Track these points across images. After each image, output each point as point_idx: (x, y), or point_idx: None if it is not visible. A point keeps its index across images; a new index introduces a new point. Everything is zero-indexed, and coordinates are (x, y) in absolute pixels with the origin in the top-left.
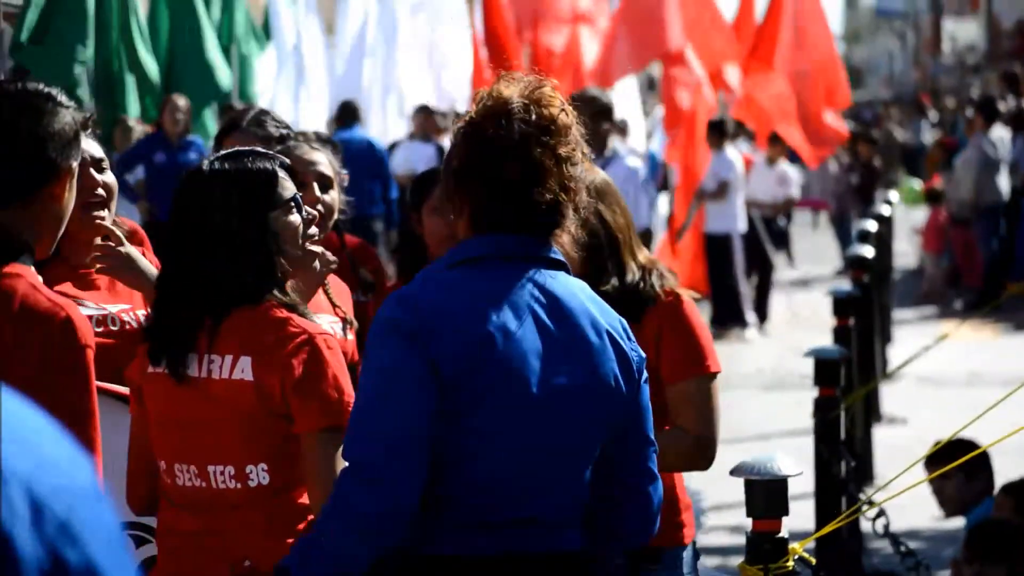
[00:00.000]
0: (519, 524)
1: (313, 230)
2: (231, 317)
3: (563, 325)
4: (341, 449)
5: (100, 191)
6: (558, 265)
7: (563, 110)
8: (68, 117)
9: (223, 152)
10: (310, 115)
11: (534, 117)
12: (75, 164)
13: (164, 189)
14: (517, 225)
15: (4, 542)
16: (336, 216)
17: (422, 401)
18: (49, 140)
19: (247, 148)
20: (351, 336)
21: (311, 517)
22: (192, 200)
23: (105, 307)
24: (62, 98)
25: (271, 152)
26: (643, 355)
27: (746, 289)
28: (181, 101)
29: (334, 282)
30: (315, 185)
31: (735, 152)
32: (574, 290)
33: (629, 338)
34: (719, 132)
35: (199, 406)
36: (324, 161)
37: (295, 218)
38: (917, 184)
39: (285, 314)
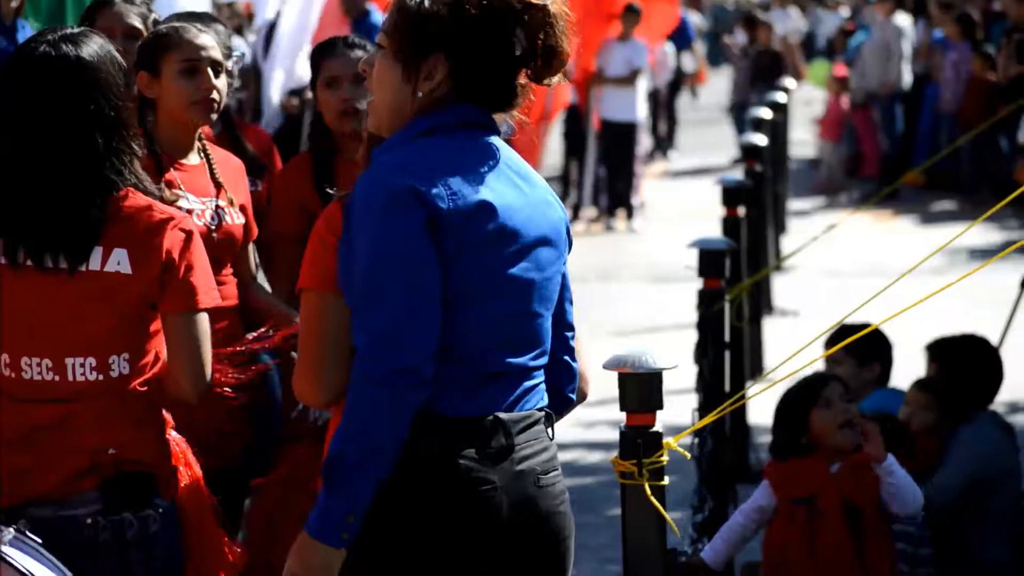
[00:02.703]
0: (503, 376)
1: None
2: (92, 207)
3: (527, 184)
4: (341, 316)
5: None
6: (498, 134)
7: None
8: None
9: (68, 33)
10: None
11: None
12: None
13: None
14: (491, 99)
15: None
16: (225, 99)
17: (429, 260)
18: None
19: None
20: (239, 219)
21: (164, 411)
22: (44, 86)
23: None
24: None
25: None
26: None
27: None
28: None
29: (224, 162)
30: (209, 71)
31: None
32: (518, 157)
33: (556, 199)
34: (632, 18)
35: (61, 299)
36: (214, 44)
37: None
38: (825, 65)
39: (146, 201)
